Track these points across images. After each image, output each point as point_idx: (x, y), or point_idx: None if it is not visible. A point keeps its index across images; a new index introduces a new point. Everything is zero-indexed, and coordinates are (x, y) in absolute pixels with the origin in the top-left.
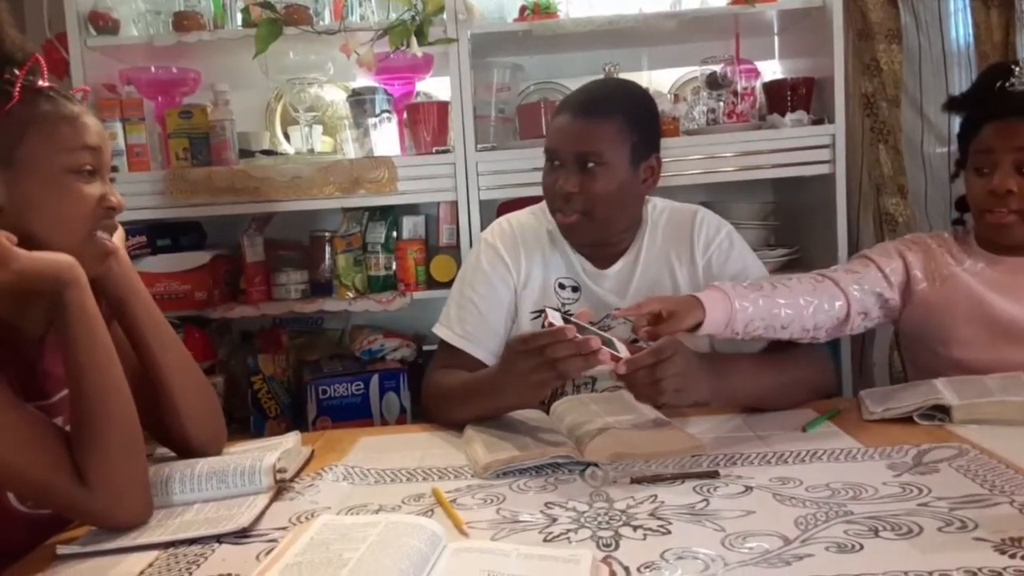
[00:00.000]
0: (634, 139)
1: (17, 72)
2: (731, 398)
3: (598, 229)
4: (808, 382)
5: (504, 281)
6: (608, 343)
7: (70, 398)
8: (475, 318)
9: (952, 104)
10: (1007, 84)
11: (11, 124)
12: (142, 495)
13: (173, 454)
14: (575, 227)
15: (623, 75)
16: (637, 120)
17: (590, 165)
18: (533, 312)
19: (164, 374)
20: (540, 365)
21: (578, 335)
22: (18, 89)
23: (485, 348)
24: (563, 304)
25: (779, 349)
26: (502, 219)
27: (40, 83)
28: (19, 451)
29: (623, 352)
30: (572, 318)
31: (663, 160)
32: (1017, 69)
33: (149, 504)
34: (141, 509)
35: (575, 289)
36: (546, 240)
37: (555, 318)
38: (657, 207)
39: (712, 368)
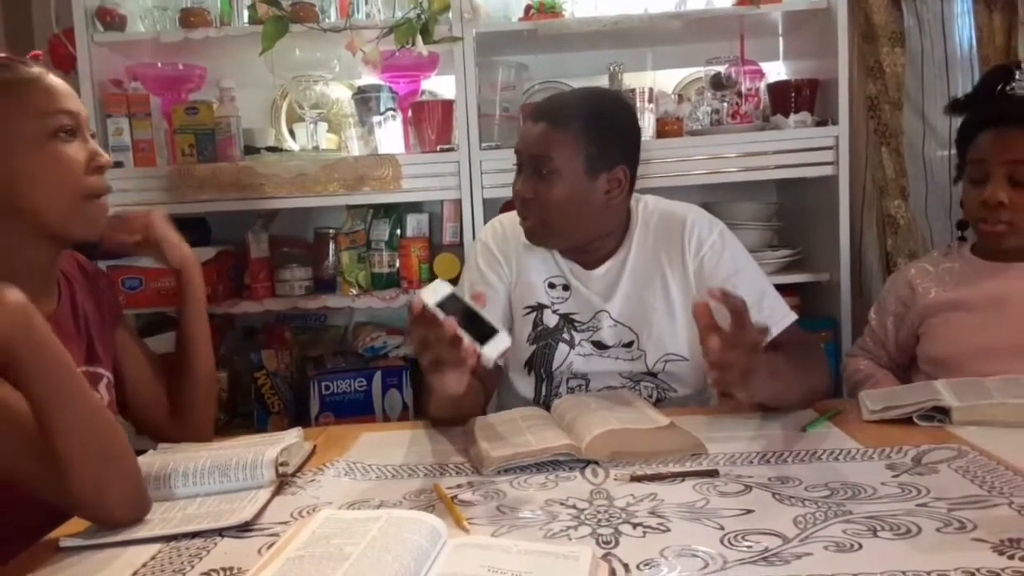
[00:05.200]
0: (590, 150)
1: None
2: (773, 399)
3: (557, 237)
4: (820, 390)
5: (500, 277)
6: (484, 333)
7: (42, 431)
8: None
9: (954, 107)
10: (1008, 88)
11: None
12: (128, 503)
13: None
14: (533, 233)
15: (627, 75)
16: (595, 131)
17: (544, 171)
18: (525, 308)
19: (191, 364)
20: (419, 346)
21: (435, 316)
22: None
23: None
24: (552, 303)
25: (790, 351)
26: (494, 220)
27: None
28: (12, 453)
29: (501, 343)
30: (463, 297)
31: (670, 160)
32: (1018, 73)
33: (140, 506)
34: (129, 514)
35: (565, 288)
36: None
37: (428, 295)
38: (649, 207)
39: (771, 368)
